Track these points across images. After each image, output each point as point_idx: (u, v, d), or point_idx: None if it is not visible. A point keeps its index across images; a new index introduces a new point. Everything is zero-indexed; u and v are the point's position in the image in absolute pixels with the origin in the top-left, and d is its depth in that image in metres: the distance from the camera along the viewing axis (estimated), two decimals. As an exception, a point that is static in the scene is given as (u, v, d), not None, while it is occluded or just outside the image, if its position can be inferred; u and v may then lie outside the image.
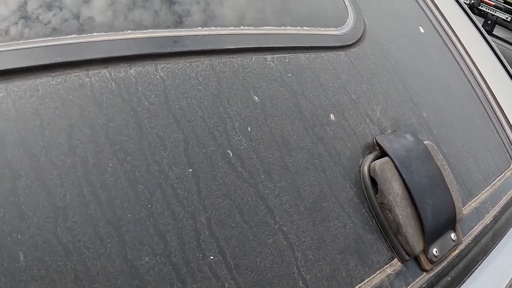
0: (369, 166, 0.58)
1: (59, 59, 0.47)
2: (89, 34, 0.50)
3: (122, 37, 0.51)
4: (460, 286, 0.65)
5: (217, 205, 0.48)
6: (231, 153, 0.51)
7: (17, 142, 0.41)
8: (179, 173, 0.47)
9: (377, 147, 0.61)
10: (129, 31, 0.52)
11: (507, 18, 2.12)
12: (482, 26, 2.25)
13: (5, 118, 0.41)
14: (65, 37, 0.48)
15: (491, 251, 0.70)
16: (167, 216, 0.45)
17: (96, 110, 0.45)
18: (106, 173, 0.43)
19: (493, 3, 2.20)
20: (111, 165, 0.44)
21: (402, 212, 0.57)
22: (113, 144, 0.44)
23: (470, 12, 0.94)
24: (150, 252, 0.43)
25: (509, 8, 2.16)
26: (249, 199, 0.49)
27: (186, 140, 0.49)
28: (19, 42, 0.46)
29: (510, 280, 0.73)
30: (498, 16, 2.14)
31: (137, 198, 0.44)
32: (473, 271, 0.67)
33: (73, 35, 0.49)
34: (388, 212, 0.57)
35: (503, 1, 2.27)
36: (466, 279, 0.66)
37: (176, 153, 0.48)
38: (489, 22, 2.18)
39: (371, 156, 0.60)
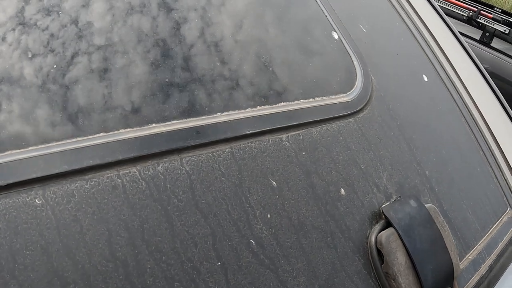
0: (375, 238, 0.64)
1: (91, 162, 0.50)
2: (115, 132, 0.52)
3: (147, 132, 0.54)
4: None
5: (242, 292, 0.53)
6: (254, 242, 0.56)
7: (60, 250, 0.45)
8: (209, 267, 0.51)
9: (383, 216, 0.66)
10: (153, 125, 0.55)
11: (505, 30, 2.12)
12: (480, 38, 2.26)
13: (47, 226, 0.45)
14: (93, 136, 0.51)
15: (485, 297, 0.77)
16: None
17: (131, 212, 0.49)
18: (146, 274, 0.48)
19: (491, 15, 2.20)
20: (149, 266, 0.48)
21: (405, 280, 0.63)
22: (149, 245, 0.49)
23: (475, 56, 0.96)
24: None
25: (507, 20, 2.16)
26: (271, 284, 0.55)
27: (214, 235, 0.53)
28: (50, 145, 0.49)
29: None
30: (496, 29, 2.14)
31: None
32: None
33: (101, 134, 0.52)
34: (392, 281, 0.63)
35: (501, 13, 2.26)
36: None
37: (205, 248, 0.52)
38: (487, 34, 2.18)
39: (377, 227, 0.65)
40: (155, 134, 0.54)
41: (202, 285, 0.50)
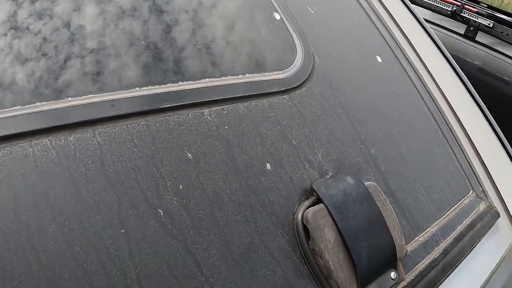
0: (302, 214, 0.61)
1: (5, 132, 0.52)
2: (32, 105, 0.54)
3: (62, 105, 0.55)
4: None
5: (147, 262, 0.52)
6: (161, 212, 0.55)
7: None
8: (112, 234, 0.52)
9: (315, 193, 0.64)
10: (69, 98, 0.56)
11: (489, 24, 2.05)
12: (465, 32, 2.19)
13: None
14: (9, 109, 0.53)
15: (440, 284, 0.72)
16: (100, 273, 0.50)
17: (38, 179, 0.50)
18: (47, 237, 0.48)
19: (476, 10, 2.13)
20: (51, 229, 0.49)
21: (333, 258, 0.60)
22: (52, 210, 0.49)
23: (436, 37, 0.92)
24: None
25: (491, 14, 2.09)
26: (178, 254, 0.53)
27: (120, 203, 0.53)
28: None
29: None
30: (480, 23, 2.07)
31: (74, 259, 0.49)
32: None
33: (18, 107, 0.54)
34: (319, 258, 0.60)
35: (485, 7, 2.20)
36: (411, 314, 0.68)
37: (110, 215, 0.52)
38: (471, 28, 2.11)
39: (306, 203, 0.62)
40: (69, 106, 0.55)
41: (103, 250, 0.50)
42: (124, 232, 0.52)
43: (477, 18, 2.12)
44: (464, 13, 2.17)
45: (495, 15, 2.13)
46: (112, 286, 0.50)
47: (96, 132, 0.55)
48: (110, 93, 0.59)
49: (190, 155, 0.59)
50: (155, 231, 0.53)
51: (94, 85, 0.58)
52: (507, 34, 2.02)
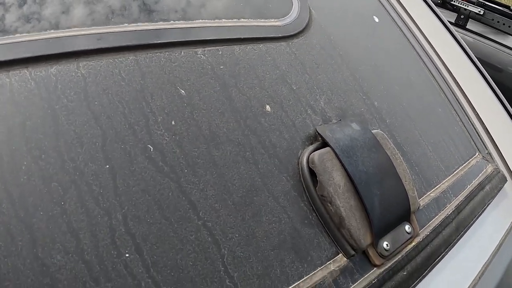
0: (308, 157, 0.55)
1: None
2: (11, 36, 0.49)
3: (44, 36, 0.50)
4: (420, 281, 0.61)
5: (134, 201, 0.45)
6: (151, 148, 0.48)
7: None
8: (95, 170, 0.45)
9: (319, 138, 0.58)
10: (52, 31, 0.51)
11: (480, 11, 2.09)
12: (455, 21, 2.24)
13: None
14: None
15: (456, 243, 0.66)
16: (80, 213, 0.43)
17: (14, 110, 0.44)
18: (20, 171, 0.41)
19: None
20: (25, 163, 0.42)
21: (344, 204, 0.54)
22: (28, 142, 0.43)
23: (431, 1, 0.91)
24: (62, 250, 0.41)
25: (481, 2, 2.14)
26: (170, 194, 0.47)
27: (104, 136, 0.47)
28: None
29: (478, 274, 0.68)
30: (471, 10, 2.11)
31: (50, 196, 0.42)
32: (435, 265, 0.63)
33: None
34: (329, 204, 0.54)
35: None
36: (427, 273, 0.62)
37: (93, 149, 0.46)
38: (462, 16, 2.15)
39: (311, 147, 0.57)
40: (51, 38, 0.50)
41: (84, 187, 0.43)
42: (108, 168, 0.45)
43: (468, 6, 2.14)
44: (454, 1, 2.19)
45: (485, 3, 2.16)
46: (94, 227, 0.42)
47: (81, 65, 0.50)
48: (97, 27, 0.54)
49: (183, 91, 0.53)
50: (144, 168, 0.47)
51: (80, 19, 0.53)
52: (498, 22, 2.05)
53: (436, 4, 2.28)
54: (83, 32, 0.52)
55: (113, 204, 0.44)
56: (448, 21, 2.30)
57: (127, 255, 0.43)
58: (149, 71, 0.53)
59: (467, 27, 2.19)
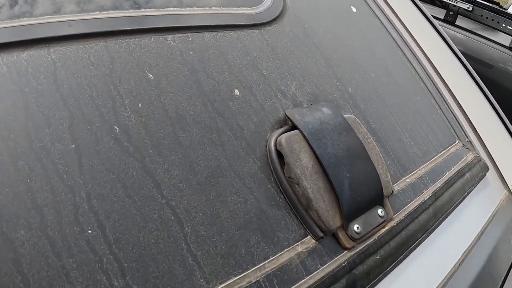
0: (276, 140, 0.56)
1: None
2: None
3: (17, 24, 0.51)
4: (395, 266, 0.60)
5: (98, 179, 0.46)
6: (117, 129, 0.49)
7: None
8: (61, 149, 0.46)
9: (288, 121, 0.59)
10: (25, 18, 0.53)
11: (468, 8, 2.09)
12: (444, 17, 2.24)
13: None
14: None
15: (434, 229, 0.66)
16: (45, 190, 0.43)
17: None
18: None
19: None
20: None
21: (312, 185, 0.54)
22: None
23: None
24: (26, 225, 0.41)
25: None
26: (134, 173, 0.47)
27: (71, 118, 0.48)
28: None
29: (458, 261, 0.68)
30: (460, 7, 2.11)
31: (17, 173, 0.43)
32: (412, 250, 0.63)
33: None
34: (296, 186, 0.54)
35: None
36: (403, 258, 0.61)
37: (60, 130, 0.47)
38: (451, 13, 2.15)
39: (280, 130, 0.57)
40: (23, 25, 0.51)
41: (50, 165, 0.44)
42: (74, 148, 0.46)
43: (456, 3, 2.14)
44: (443, -2, 2.19)
45: None
46: (58, 204, 0.43)
47: (51, 50, 0.51)
48: (68, 14, 0.55)
49: (151, 75, 0.54)
50: (109, 148, 0.47)
51: (51, 8, 0.54)
52: (487, 18, 2.04)
53: (425, 1, 2.29)
54: (54, 20, 0.54)
55: (78, 182, 0.45)
56: (437, 17, 2.30)
57: (89, 231, 0.43)
58: (118, 56, 0.54)
59: (456, 23, 2.19)
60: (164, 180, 0.48)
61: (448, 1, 2.16)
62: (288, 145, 0.55)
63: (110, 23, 0.56)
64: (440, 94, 0.83)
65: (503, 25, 1.98)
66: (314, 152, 0.56)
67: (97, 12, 0.57)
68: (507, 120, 0.86)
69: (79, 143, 0.46)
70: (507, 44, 2.00)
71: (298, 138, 0.56)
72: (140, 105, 0.51)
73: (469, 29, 2.13)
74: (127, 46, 0.55)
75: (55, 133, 0.46)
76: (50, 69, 0.49)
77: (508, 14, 2.02)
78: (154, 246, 0.45)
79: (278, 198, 0.54)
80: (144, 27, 0.57)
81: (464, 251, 0.69)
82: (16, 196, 0.42)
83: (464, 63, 0.87)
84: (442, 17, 2.22)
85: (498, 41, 2.04)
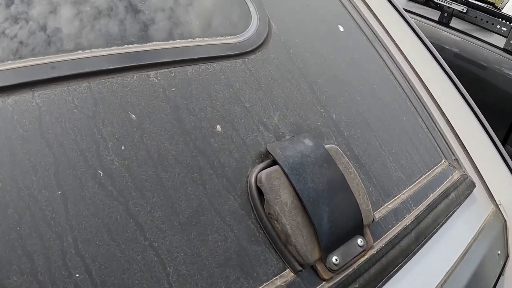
0: (256, 176, 0.57)
1: None
2: None
3: (1, 68, 0.53)
4: (376, 292, 0.63)
5: (84, 224, 0.48)
6: (101, 173, 0.51)
7: None
8: (48, 196, 0.48)
9: (270, 156, 0.60)
10: (9, 62, 0.54)
11: (463, 9, 2.06)
12: (439, 19, 2.20)
13: None
14: None
15: (415, 253, 0.68)
16: (34, 237, 0.46)
17: None
18: None
19: None
20: None
21: (290, 221, 0.56)
22: None
23: (401, 8, 0.91)
24: (17, 271, 0.44)
25: (464, 0, 2.10)
26: (118, 217, 0.49)
27: (57, 164, 0.50)
28: None
29: (440, 282, 0.70)
30: (454, 8, 2.08)
31: (7, 221, 0.45)
32: (391, 276, 0.65)
33: None
34: (275, 222, 0.56)
35: None
36: (382, 285, 0.63)
37: (46, 176, 0.49)
38: (445, 14, 2.12)
39: (261, 165, 0.59)
40: (8, 69, 0.53)
41: (38, 213, 0.46)
42: (60, 194, 0.48)
43: (451, 4, 2.12)
44: (437, -1, 2.17)
45: (469, 1, 2.13)
46: (47, 249, 0.46)
47: (36, 94, 0.52)
48: (51, 55, 0.56)
49: (133, 116, 0.56)
50: (94, 193, 0.49)
51: (34, 49, 0.55)
52: (481, 19, 2.02)
53: (420, 3, 2.25)
54: (38, 62, 0.55)
55: (65, 228, 0.47)
56: (432, 19, 2.27)
57: (77, 275, 0.46)
58: (101, 97, 0.55)
59: (450, 25, 2.16)
60: (147, 222, 0.50)
61: (442, 3, 2.13)
62: (268, 182, 0.56)
63: (92, 62, 0.57)
64: (427, 112, 0.83)
65: (497, 26, 1.96)
66: (293, 188, 0.57)
67: (80, 51, 0.58)
68: (494, 135, 0.86)
69: (65, 189, 0.49)
70: (501, 46, 1.98)
71: (278, 174, 0.57)
72: (123, 147, 0.53)
73: (464, 30, 2.10)
74: (110, 86, 0.56)
75: (41, 180, 0.48)
76: (35, 114, 0.51)
77: (502, 15, 1.99)
78: (138, 286, 0.48)
79: (257, 234, 0.56)
80: (126, 65, 0.59)
81: (447, 272, 0.71)
82: (7, 244, 0.44)
83: (451, 77, 0.87)
84: (436, 19, 2.20)
85: (492, 43, 2.01)
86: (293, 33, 0.75)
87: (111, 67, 0.57)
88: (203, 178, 0.55)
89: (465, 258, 0.74)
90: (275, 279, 0.55)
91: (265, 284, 0.54)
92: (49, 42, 0.56)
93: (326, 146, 0.64)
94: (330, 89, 0.73)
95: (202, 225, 0.53)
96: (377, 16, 0.89)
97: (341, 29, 0.82)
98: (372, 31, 0.86)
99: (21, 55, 0.54)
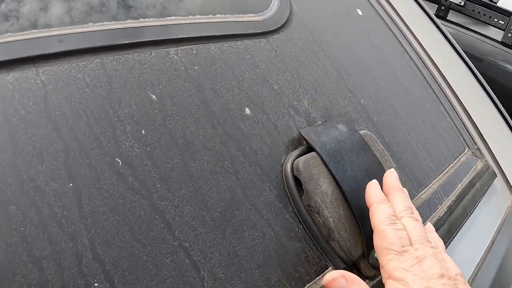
0: (292, 164, 0.51)
1: None
2: None
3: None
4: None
5: (102, 223, 0.40)
6: (120, 162, 0.43)
7: None
8: (58, 189, 0.40)
9: (304, 142, 0.54)
10: (9, 34, 0.46)
11: (460, 2, 2.10)
12: (436, 12, 2.23)
13: None
14: None
15: (447, 246, 0.64)
16: (42, 239, 0.38)
17: None
18: None
19: None
20: None
21: (333, 214, 0.50)
22: None
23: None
24: (23, 282, 0.36)
25: None
26: (142, 213, 0.42)
27: (67, 151, 0.42)
28: None
29: (471, 276, 0.66)
30: (451, 1, 2.12)
31: (8, 221, 0.37)
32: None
33: None
34: (316, 215, 0.50)
35: None
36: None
37: (54, 166, 0.40)
38: (442, 7, 2.16)
39: (295, 152, 0.53)
40: (7, 42, 0.44)
41: (46, 209, 0.38)
42: (72, 187, 0.40)
43: None
44: (435, -8, 2.19)
45: None
46: (59, 254, 0.37)
47: (40, 70, 0.44)
48: (58, 28, 0.48)
49: (154, 96, 0.48)
50: (112, 185, 0.42)
51: (39, 21, 0.47)
52: (479, 12, 2.05)
53: None
54: (42, 34, 0.47)
55: (79, 227, 0.39)
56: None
57: (96, 284, 0.38)
58: (116, 74, 0.48)
59: (448, 18, 2.19)
60: (175, 218, 0.43)
61: (439, -4, 2.15)
62: (306, 170, 0.50)
63: (105, 36, 0.49)
64: (448, 100, 0.80)
65: (495, 19, 1.99)
66: (333, 177, 0.52)
67: (91, 24, 0.50)
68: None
69: (77, 181, 0.41)
70: (499, 39, 2.02)
71: (316, 162, 0.52)
72: (143, 131, 0.46)
73: (461, 23, 2.13)
74: (125, 63, 0.49)
75: (49, 171, 0.40)
76: (39, 94, 0.43)
77: (500, 8, 2.03)
78: (169, 295, 0.40)
79: (297, 229, 0.50)
80: (144, 40, 0.51)
81: (477, 264, 0.68)
82: (9, 248, 0.36)
83: (471, 67, 0.84)
84: (434, 12, 2.22)
85: (490, 36, 2.05)
86: (314, 14, 0.70)
87: (127, 42, 0.50)
88: (235, 166, 0.49)
89: (492, 250, 0.72)
90: (317, 279, 0.49)
91: (308, 285, 0.48)
92: (55, 14, 0.48)
93: (361, 131, 0.58)
94: (355, 73, 0.68)
95: (237, 220, 0.46)
96: (391, 2, 0.85)
97: (360, 12, 0.77)
98: (389, 16, 0.82)
99: (23, 27, 0.46)
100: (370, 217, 0.48)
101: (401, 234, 0.44)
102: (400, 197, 0.49)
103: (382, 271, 0.43)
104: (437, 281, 0.40)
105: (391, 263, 0.42)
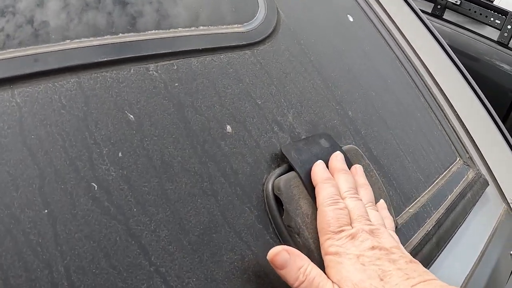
0: (273, 183, 0.51)
1: None
2: None
3: None
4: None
5: (77, 249, 0.40)
6: (96, 186, 0.43)
7: None
8: (33, 216, 0.39)
9: (286, 158, 0.54)
10: None
11: (456, 1, 2.07)
12: (432, 11, 2.19)
13: None
14: None
15: (435, 260, 0.63)
16: (18, 267, 0.37)
17: None
18: None
19: None
20: None
21: (313, 235, 0.49)
22: None
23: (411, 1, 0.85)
24: None
25: None
26: (118, 238, 0.42)
27: (42, 176, 0.41)
28: None
29: (462, 286, 0.66)
30: (447, 1, 2.09)
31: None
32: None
33: None
34: (296, 236, 0.49)
35: None
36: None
37: (29, 192, 0.40)
38: (439, 6, 2.13)
39: (277, 171, 0.52)
40: None
41: (20, 237, 0.38)
42: (47, 213, 0.40)
43: None
44: (431, -9, 2.16)
45: None
46: (34, 282, 0.37)
47: (16, 92, 0.43)
48: (34, 46, 0.47)
49: (132, 116, 0.47)
50: (87, 210, 0.41)
51: (14, 40, 0.46)
52: (475, 11, 2.02)
53: None
54: (18, 54, 0.46)
55: (54, 254, 0.39)
56: (425, 11, 2.26)
57: (70, 313, 0.38)
58: (93, 94, 0.47)
59: (444, 17, 2.16)
60: (151, 243, 0.43)
61: (436, -5, 2.11)
62: (287, 190, 0.50)
63: (83, 54, 0.48)
64: (440, 108, 0.79)
65: (491, 19, 1.96)
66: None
67: (68, 41, 0.49)
68: (506, 131, 0.83)
69: (52, 207, 0.40)
70: (495, 38, 1.99)
71: (297, 181, 0.51)
72: (120, 154, 0.45)
73: (457, 23, 2.10)
74: (103, 82, 0.48)
75: (24, 197, 0.39)
76: (15, 117, 0.42)
77: (496, 8, 1.99)
78: (144, 322, 0.40)
79: (277, 250, 0.49)
80: (122, 56, 0.50)
81: (466, 276, 0.68)
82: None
83: (465, 74, 0.83)
84: (429, 11, 2.19)
85: (486, 35, 2.02)
86: (302, 22, 0.68)
87: (104, 59, 0.49)
88: (214, 187, 0.48)
89: (482, 261, 0.71)
90: (298, 300, 0.48)
91: (287, 307, 0.47)
92: (31, 32, 0.47)
93: (345, 147, 0.57)
94: (344, 83, 0.66)
95: (216, 243, 0.46)
96: (384, 7, 0.83)
97: (351, 19, 0.76)
98: (382, 22, 0.80)
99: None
100: (316, 197, 0.49)
101: (341, 214, 0.46)
102: (344, 179, 0.51)
103: (321, 249, 0.46)
104: (367, 252, 0.43)
105: (327, 241, 0.45)
